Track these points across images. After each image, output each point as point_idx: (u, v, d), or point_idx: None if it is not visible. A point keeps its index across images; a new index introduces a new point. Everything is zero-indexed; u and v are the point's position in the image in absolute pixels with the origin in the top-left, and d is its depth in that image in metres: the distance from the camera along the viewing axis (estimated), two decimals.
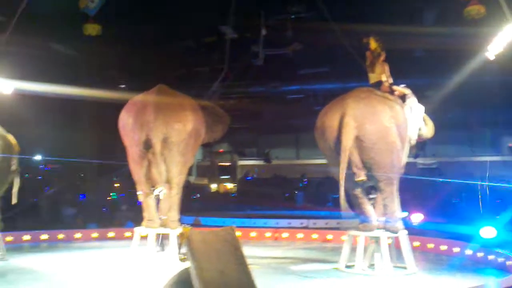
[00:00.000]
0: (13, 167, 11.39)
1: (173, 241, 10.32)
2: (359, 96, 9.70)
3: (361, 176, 9.39)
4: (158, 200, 10.76)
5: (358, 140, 9.30)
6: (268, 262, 10.70)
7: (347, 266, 9.75)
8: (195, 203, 23.09)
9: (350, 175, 9.39)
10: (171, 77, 18.65)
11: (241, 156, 32.78)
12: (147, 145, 10.06)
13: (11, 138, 11.54)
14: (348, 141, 9.20)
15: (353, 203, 9.87)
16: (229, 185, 32.29)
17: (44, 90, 16.29)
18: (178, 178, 10.53)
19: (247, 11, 16.18)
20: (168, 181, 10.40)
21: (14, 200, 11.54)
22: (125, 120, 10.58)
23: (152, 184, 10.48)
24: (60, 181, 20.94)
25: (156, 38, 18.33)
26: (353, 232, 9.90)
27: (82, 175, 19.41)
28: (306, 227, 16.02)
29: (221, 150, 31.27)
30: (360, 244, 9.58)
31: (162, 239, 11.17)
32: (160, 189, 10.78)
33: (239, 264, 4.37)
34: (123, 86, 22.40)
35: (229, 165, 32.04)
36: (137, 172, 10.47)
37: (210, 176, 31.87)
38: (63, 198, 19.51)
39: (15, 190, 11.51)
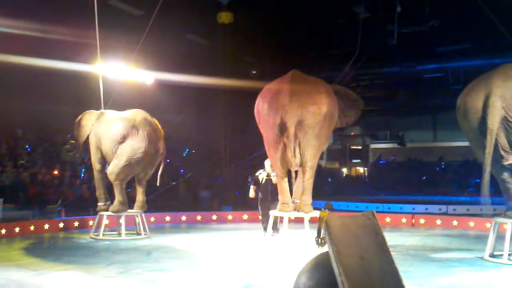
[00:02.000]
0: (161, 151, 12.07)
1: (307, 225, 10.32)
2: (507, 73, 8.84)
3: (510, 159, 8.63)
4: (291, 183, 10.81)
5: (506, 121, 8.53)
6: (405, 248, 10.32)
7: (492, 256, 9.07)
8: (327, 187, 22.96)
9: (497, 158, 8.68)
10: (302, 61, 18.60)
11: (373, 139, 31.99)
12: (282, 129, 10.08)
13: (156, 123, 12.21)
14: (495, 123, 8.48)
15: (500, 188, 9.14)
16: (361, 169, 31.72)
17: (181, 79, 17.04)
18: (312, 162, 10.44)
19: None
20: (302, 165, 10.37)
21: (158, 182, 12.26)
22: (260, 106, 10.67)
23: (287, 167, 10.54)
24: (197, 165, 21.84)
25: (286, 21, 18.32)
26: (499, 219, 9.17)
27: (220, 157, 20.11)
28: (445, 213, 15.26)
29: (352, 133, 30.75)
30: (508, 232, 8.85)
31: (276, 223, 11.27)
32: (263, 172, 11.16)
33: (380, 250, 4.13)
34: (255, 72, 22.80)
35: (361, 148, 31.42)
36: (273, 156, 10.54)
37: (341, 160, 31.54)
38: (200, 181, 20.36)
39: (160, 172, 12.21)
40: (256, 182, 12.33)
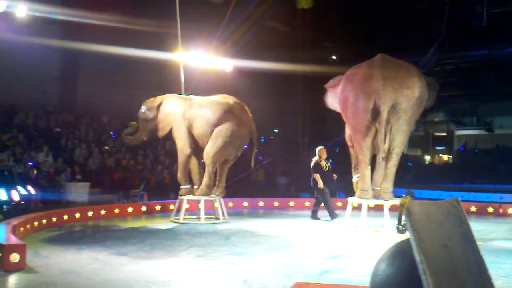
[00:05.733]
0: (253, 133, 12.25)
1: (387, 212, 10.07)
2: None
3: None
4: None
5: None
6: (491, 239, 9.84)
7: None
8: (408, 175, 22.33)
9: None
10: (383, 45, 18.12)
11: (458, 125, 30.71)
12: (375, 113, 9.83)
13: (246, 106, 12.37)
14: None
15: None
16: (445, 157, 30.64)
17: (260, 66, 17.09)
18: (400, 148, 10.18)
19: None
20: (388, 151, 10.08)
21: (253, 163, 12.51)
22: (349, 91, 10.40)
23: (373, 154, 10.31)
24: (275, 151, 21.90)
25: (367, 5, 17.87)
26: None
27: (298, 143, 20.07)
28: None
29: (436, 119, 29.67)
30: None
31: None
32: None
33: (465, 238, 3.92)
34: (335, 58, 22.46)
35: (445, 135, 30.30)
36: (360, 142, 10.26)
37: (423, 147, 30.57)
38: (277, 168, 20.39)
39: (254, 154, 12.41)
40: (318, 169, 12.32)
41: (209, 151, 11.80)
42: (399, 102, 9.72)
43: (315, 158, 12.42)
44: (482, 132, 29.08)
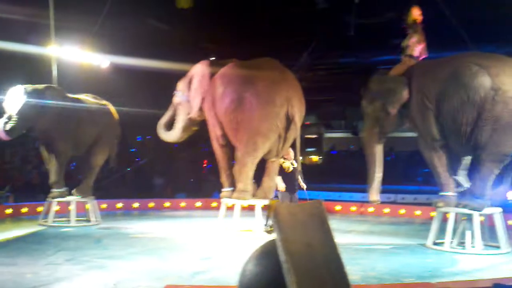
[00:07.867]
0: (116, 135, 12.21)
1: (258, 213, 10.39)
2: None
3: None
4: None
5: None
6: (353, 236, 10.55)
7: (436, 243, 9.37)
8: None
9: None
10: (261, 48, 18.63)
11: (327, 128, 32.26)
12: (285, 121, 10.13)
13: (110, 107, 12.23)
14: None
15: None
16: (315, 158, 31.99)
17: (138, 64, 16.78)
18: (285, 152, 10.68)
19: None
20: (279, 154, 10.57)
21: (112, 164, 12.48)
22: (250, 94, 10.19)
23: (268, 157, 10.62)
24: (152, 152, 21.64)
25: (246, 7, 18.23)
26: (443, 209, 9.46)
27: (177, 145, 19.92)
28: (393, 202, 15.63)
29: (307, 122, 30.95)
30: (451, 221, 9.16)
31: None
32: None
33: (325, 238, 4.19)
34: (214, 58, 22.61)
35: (315, 137, 31.67)
36: (259, 145, 10.28)
37: (294, 149, 31.67)
38: (153, 168, 20.16)
39: (113, 155, 12.32)
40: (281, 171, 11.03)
41: (98, 155, 11.84)
42: (301, 111, 10.30)
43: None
44: (349, 135, 30.82)
